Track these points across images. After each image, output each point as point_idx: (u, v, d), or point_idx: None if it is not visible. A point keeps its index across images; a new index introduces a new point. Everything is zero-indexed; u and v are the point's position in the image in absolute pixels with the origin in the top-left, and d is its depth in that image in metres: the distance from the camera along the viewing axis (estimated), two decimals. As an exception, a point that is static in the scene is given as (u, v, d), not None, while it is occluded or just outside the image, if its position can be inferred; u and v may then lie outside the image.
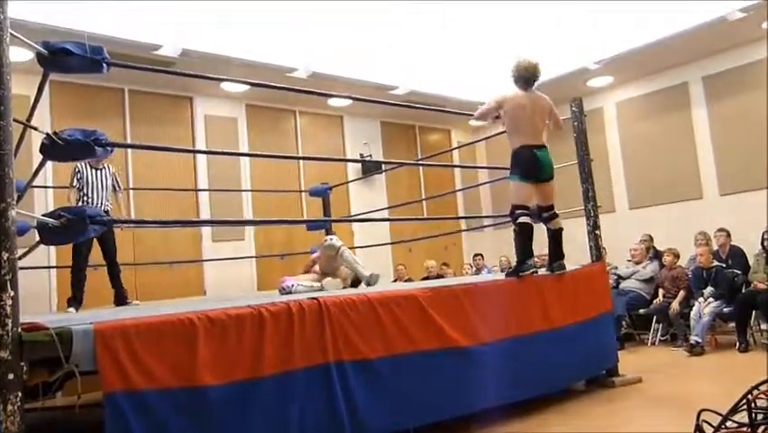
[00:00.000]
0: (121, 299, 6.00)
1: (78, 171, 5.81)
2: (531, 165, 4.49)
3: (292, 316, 2.87)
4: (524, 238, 4.41)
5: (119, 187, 6.21)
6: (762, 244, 6.82)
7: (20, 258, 2.37)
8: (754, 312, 6.60)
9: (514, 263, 4.42)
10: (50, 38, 5.96)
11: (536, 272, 4.45)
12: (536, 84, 4.73)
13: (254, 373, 2.72)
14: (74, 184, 5.80)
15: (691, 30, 7.91)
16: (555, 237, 4.69)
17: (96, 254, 6.02)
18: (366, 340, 3.08)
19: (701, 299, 6.71)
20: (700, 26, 7.83)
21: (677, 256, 7.49)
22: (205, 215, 8.47)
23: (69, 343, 2.34)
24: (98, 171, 5.93)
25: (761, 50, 8.37)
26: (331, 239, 4.93)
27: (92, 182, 5.84)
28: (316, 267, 5.00)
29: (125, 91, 8.06)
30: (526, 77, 4.63)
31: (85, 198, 5.77)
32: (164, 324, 2.60)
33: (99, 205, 5.77)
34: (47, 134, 2.52)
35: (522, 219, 4.46)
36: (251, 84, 3.84)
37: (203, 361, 2.58)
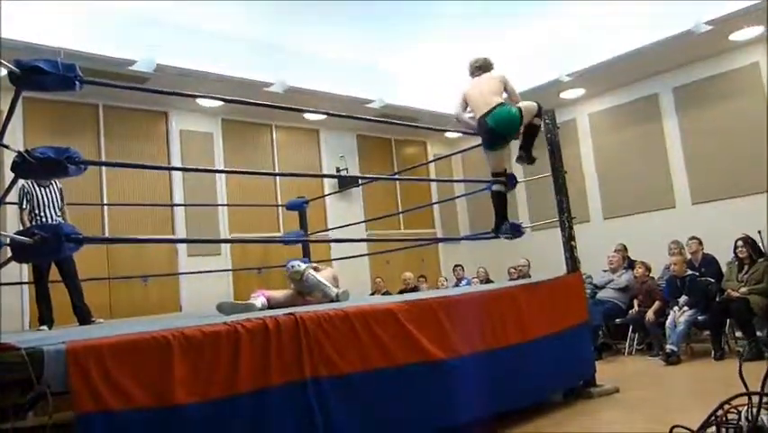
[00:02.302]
0: (83, 318, 5.82)
1: (28, 192, 5.65)
2: (486, 133, 4.89)
3: (268, 332, 2.86)
4: (499, 202, 5.08)
5: (63, 202, 5.97)
6: (735, 251, 6.94)
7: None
8: (728, 320, 6.72)
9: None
10: (22, 54, 5.95)
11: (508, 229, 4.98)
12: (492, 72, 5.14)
13: (231, 390, 2.70)
14: (24, 206, 5.63)
15: (660, 42, 8.10)
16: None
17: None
18: (343, 355, 3.08)
19: (676, 308, 6.80)
20: (669, 39, 8.02)
21: (648, 269, 7.60)
22: (180, 228, 8.43)
23: (41, 363, 2.30)
24: (46, 189, 5.75)
25: (729, 62, 8.59)
26: (294, 266, 4.82)
27: (42, 200, 5.68)
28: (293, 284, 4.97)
29: (100, 107, 8.02)
30: (476, 66, 5.16)
31: (37, 218, 5.60)
32: (138, 342, 2.57)
33: (52, 222, 5.61)
34: (18, 152, 2.50)
35: (495, 188, 5.09)
36: (225, 100, 3.82)
37: (178, 379, 2.56)
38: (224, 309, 4.14)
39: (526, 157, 5.03)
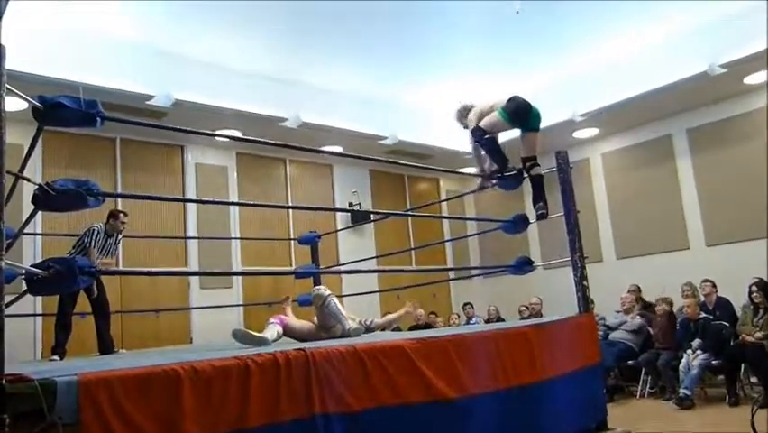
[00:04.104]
0: (106, 349, 5.94)
1: (98, 234, 5.89)
2: (522, 107, 5.03)
3: (279, 367, 2.85)
4: (541, 184, 5.12)
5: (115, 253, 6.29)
6: (749, 296, 6.86)
7: (6, 306, 2.37)
8: (743, 365, 6.62)
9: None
10: (43, 89, 6.09)
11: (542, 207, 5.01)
12: None
13: (239, 424, 2.69)
14: (93, 245, 5.83)
15: (675, 84, 8.15)
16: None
17: (83, 302, 5.99)
18: (353, 392, 3.06)
19: (690, 351, 6.72)
20: (683, 80, 8.06)
21: (671, 305, 7.51)
22: (193, 261, 8.48)
23: (53, 394, 2.31)
24: (111, 238, 6.03)
25: (743, 104, 8.62)
26: (318, 289, 4.90)
27: (103, 248, 5.95)
28: (315, 318, 4.97)
29: (117, 140, 8.16)
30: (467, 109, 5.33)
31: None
32: (149, 375, 2.58)
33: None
34: (39, 185, 2.55)
35: (535, 171, 5.13)
36: (240, 139, 3.88)
37: (187, 412, 2.55)
38: (238, 337, 4.16)
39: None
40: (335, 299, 4.84)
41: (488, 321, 9.41)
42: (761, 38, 7.13)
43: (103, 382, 2.43)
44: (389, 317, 5.63)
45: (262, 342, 4.09)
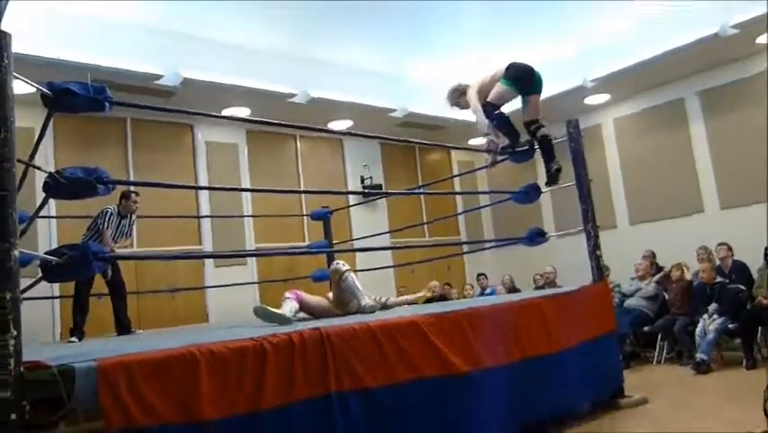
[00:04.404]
0: (124, 329, 6.01)
1: (111, 215, 5.94)
2: (525, 72, 5.06)
3: (294, 347, 2.87)
4: (550, 145, 5.08)
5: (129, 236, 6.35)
6: (765, 258, 6.80)
7: (22, 292, 2.39)
8: (760, 328, 6.58)
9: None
10: (51, 71, 6.08)
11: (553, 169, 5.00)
12: None
13: (256, 405, 2.71)
14: (107, 226, 5.89)
15: (685, 46, 8.00)
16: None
17: (99, 283, 6.05)
18: (368, 369, 3.08)
19: (706, 316, 6.69)
20: (694, 42, 7.90)
21: (683, 271, 7.46)
22: (207, 240, 8.51)
23: (72, 381, 2.33)
24: (124, 219, 6.09)
25: (755, 65, 8.44)
26: (337, 263, 4.91)
27: (115, 230, 6.00)
28: (329, 294, 4.98)
29: (128, 120, 8.14)
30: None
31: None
32: (166, 358, 2.60)
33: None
34: (49, 173, 2.55)
35: (542, 132, 5.08)
36: (247, 120, 3.85)
37: (205, 395, 2.58)
38: (259, 314, 4.19)
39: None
40: (353, 275, 4.85)
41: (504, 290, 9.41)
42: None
43: (121, 368, 2.45)
44: (407, 297, 5.63)
45: (283, 320, 4.11)
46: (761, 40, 7.94)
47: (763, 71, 8.32)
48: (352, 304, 4.75)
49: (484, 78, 5.12)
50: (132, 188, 6.24)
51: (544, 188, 5.36)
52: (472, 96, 5.09)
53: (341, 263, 4.90)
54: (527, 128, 5.07)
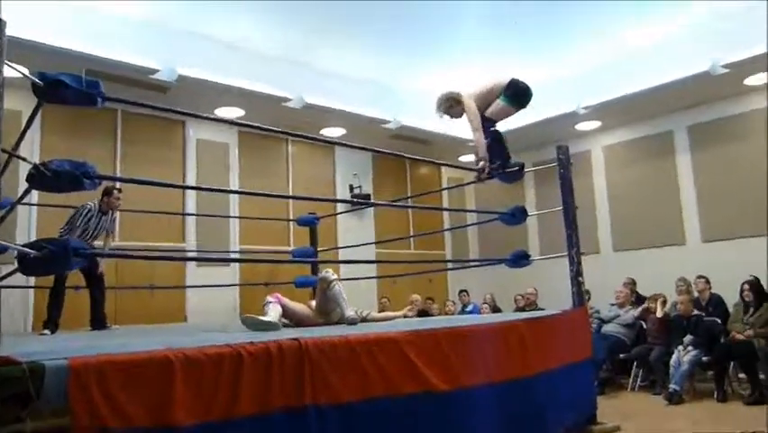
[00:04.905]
0: (99, 324, 5.87)
1: (90, 212, 5.69)
2: (524, 92, 4.95)
3: (271, 356, 2.81)
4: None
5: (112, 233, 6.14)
6: (741, 294, 6.86)
7: (-1, 280, 2.33)
8: (732, 362, 6.62)
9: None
10: (47, 58, 6.00)
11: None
12: None
13: (230, 413, 2.65)
14: (78, 223, 5.64)
15: (677, 81, 8.11)
16: None
17: (77, 275, 5.92)
18: (345, 382, 3.03)
19: (681, 348, 6.72)
20: (686, 78, 8.02)
21: (663, 303, 7.48)
22: (190, 238, 8.43)
23: (41, 378, 2.26)
24: (105, 216, 5.84)
25: (743, 104, 8.59)
26: (327, 272, 4.84)
27: (94, 228, 5.77)
28: (312, 302, 4.92)
29: (119, 112, 8.05)
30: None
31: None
32: (140, 361, 2.53)
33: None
34: (35, 165, 2.49)
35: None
36: (239, 124, 3.81)
37: (178, 400, 2.51)
38: (248, 324, 4.09)
39: (503, 164, 4.96)
40: (340, 285, 4.79)
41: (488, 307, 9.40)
42: (762, 41, 7.10)
43: (93, 368, 2.38)
44: (387, 314, 5.57)
45: (272, 327, 4.04)
46: (749, 81, 8.07)
47: (750, 111, 8.47)
48: (335, 313, 4.69)
49: (482, 89, 4.96)
50: (117, 184, 6.09)
51: (531, 212, 5.34)
52: (471, 104, 4.89)
53: (330, 272, 4.84)
54: (483, 120, 4.92)
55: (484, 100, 4.94)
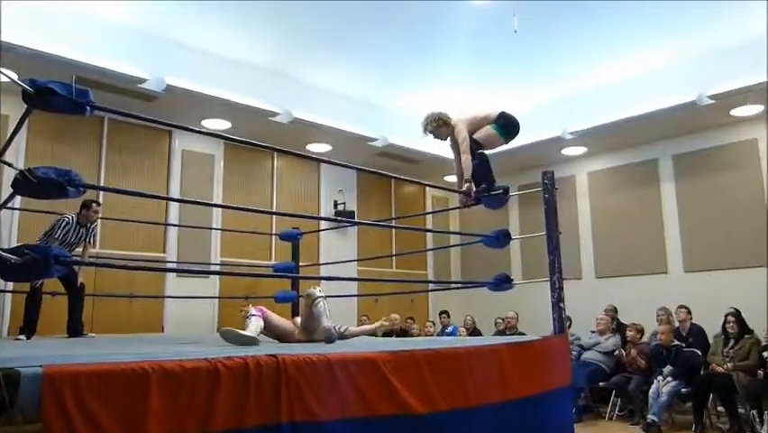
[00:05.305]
0: (75, 331, 5.85)
1: (68, 225, 5.74)
2: (514, 125, 5.05)
3: (248, 372, 2.82)
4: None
5: (90, 244, 6.18)
6: (723, 325, 6.91)
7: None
8: (711, 394, 6.68)
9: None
10: (36, 63, 6.00)
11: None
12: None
13: (205, 428, 2.65)
14: (56, 235, 5.68)
15: (664, 110, 8.25)
16: None
17: (55, 282, 5.89)
18: (322, 402, 3.04)
19: (660, 378, 6.77)
20: (673, 108, 8.17)
21: (640, 332, 7.57)
22: (172, 247, 8.41)
23: (16, 385, 2.27)
24: (83, 228, 5.90)
25: (729, 135, 8.76)
26: (314, 289, 4.82)
27: (73, 239, 5.82)
28: (297, 319, 4.91)
29: (105, 119, 8.05)
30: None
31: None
32: (116, 371, 2.54)
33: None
34: (20, 171, 2.51)
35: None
36: (224, 138, 3.84)
37: (153, 413, 2.51)
38: (228, 338, 4.07)
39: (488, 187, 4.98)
40: (325, 302, 4.78)
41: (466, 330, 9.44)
42: (749, 73, 7.28)
43: (68, 377, 2.39)
44: (364, 328, 5.58)
45: (251, 342, 4.02)
46: (734, 112, 8.23)
47: (737, 142, 8.63)
48: (320, 331, 4.68)
49: (474, 116, 5.07)
50: (101, 194, 6.10)
51: (514, 235, 5.40)
52: (462, 129, 4.99)
53: (317, 289, 4.82)
54: (471, 143, 4.98)
55: (474, 127, 5.05)
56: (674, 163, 9.39)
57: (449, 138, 5.13)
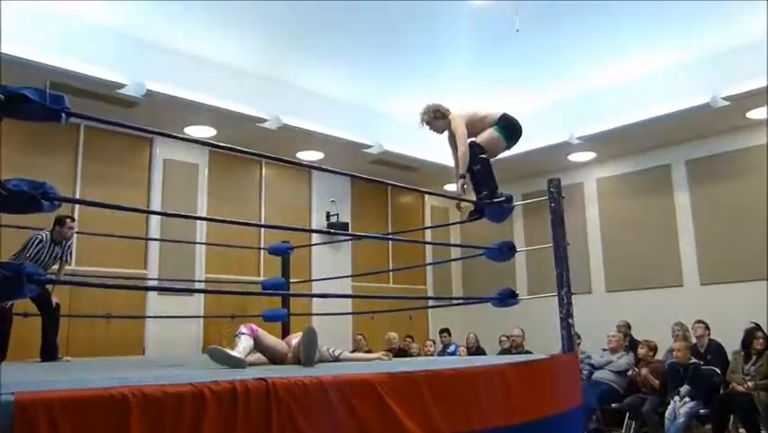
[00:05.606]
0: (49, 355, 5.81)
1: (41, 243, 5.73)
2: (516, 129, 5.04)
3: (237, 397, 2.80)
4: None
5: (66, 261, 6.17)
6: (743, 342, 6.89)
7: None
8: (732, 416, 6.65)
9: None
10: (7, 67, 6.00)
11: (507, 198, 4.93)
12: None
13: (189, 457, 2.65)
14: (27, 253, 5.67)
15: (676, 113, 8.28)
16: None
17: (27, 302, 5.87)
18: (315, 427, 3.03)
19: (677, 398, 6.74)
20: (685, 110, 8.19)
21: (653, 349, 7.56)
22: (153, 263, 8.39)
23: (-14, 414, 2.25)
24: (58, 246, 5.89)
25: (745, 139, 8.77)
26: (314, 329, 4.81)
27: (47, 258, 5.81)
28: (293, 340, 4.87)
29: (81, 127, 8.05)
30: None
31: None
32: (94, 398, 2.52)
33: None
34: (-10, 184, 2.50)
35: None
36: (207, 144, 3.85)
37: (133, 442, 2.51)
38: (214, 357, 4.04)
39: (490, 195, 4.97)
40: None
41: (468, 350, 9.41)
42: (765, 73, 7.30)
43: (42, 404, 2.37)
44: (360, 355, 5.56)
45: (238, 363, 3.99)
46: (751, 115, 8.27)
47: (754, 146, 8.65)
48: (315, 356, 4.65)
49: (475, 114, 5.09)
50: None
51: (519, 247, 5.40)
52: (460, 125, 4.98)
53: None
54: (472, 147, 5.01)
55: (473, 127, 5.04)
56: (688, 169, 9.43)
57: (446, 132, 5.14)
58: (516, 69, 8.29)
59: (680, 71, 8.18)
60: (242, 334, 4.35)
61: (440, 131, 5.18)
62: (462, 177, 4.97)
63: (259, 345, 4.48)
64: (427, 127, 5.21)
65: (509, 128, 5.01)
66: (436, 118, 5.11)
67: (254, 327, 4.50)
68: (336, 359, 4.80)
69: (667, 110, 8.29)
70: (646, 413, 7.01)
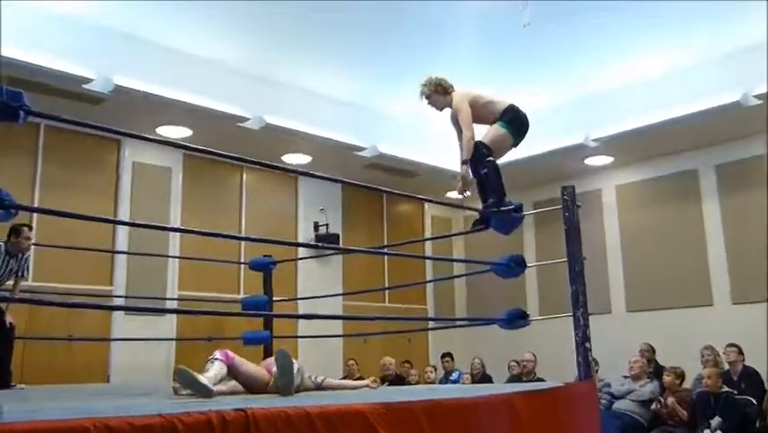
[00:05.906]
0: (2, 382, 5.78)
1: None
2: (524, 123, 5.07)
3: (213, 430, 2.78)
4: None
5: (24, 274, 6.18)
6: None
7: None
8: (768, 451, 6.65)
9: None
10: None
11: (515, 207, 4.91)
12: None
13: (158, 497, 2.62)
14: None
15: (703, 113, 8.28)
16: None
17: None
18: (300, 464, 3.02)
19: (707, 432, 6.73)
20: (713, 110, 8.19)
21: (679, 376, 7.54)
22: (120, 279, 8.36)
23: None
24: (13, 259, 5.90)
25: (781, 141, 8.77)
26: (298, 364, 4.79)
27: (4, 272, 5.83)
28: (273, 367, 4.84)
29: (41, 126, 8.03)
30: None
31: None
32: (51, 431, 2.51)
33: None
34: (-64, 191, 2.49)
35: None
36: (181, 146, 3.84)
37: (96, 479, 2.49)
38: (182, 378, 3.99)
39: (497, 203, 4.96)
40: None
41: (473, 377, 9.40)
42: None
43: (-6, 438, 2.36)
44: (345, 383, 5.53)
45: (204, 391, 3.95)
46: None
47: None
48: (307, 383, 4.63)
49: (480, 96, 5.13)
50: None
51: (529, 261, 5.39)
52: (463, 104, 5.01)
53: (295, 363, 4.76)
54: (476, 147, 5.00)
55: (476, 110, 5.05)
56: (717, 174, 9.43)
57: (444, 110, 5.19)
58: (525, 67, 8.30)
59: (707, 67, 8.18)
60: (216, 359, 4.32)
61: (439, 107, 5.23)
62: (465, 163, 4.99)
63: (234, 373, 4.44)
64: (426, 101, 5.27)
65: (515, 122, 5.01)
66: (437, 93, 5.17)
67: (230, 353, 4.46)
68: (319, 387, 4.77)
69: (693, 109, 8.29)
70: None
